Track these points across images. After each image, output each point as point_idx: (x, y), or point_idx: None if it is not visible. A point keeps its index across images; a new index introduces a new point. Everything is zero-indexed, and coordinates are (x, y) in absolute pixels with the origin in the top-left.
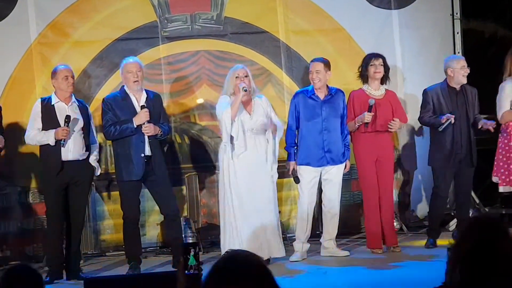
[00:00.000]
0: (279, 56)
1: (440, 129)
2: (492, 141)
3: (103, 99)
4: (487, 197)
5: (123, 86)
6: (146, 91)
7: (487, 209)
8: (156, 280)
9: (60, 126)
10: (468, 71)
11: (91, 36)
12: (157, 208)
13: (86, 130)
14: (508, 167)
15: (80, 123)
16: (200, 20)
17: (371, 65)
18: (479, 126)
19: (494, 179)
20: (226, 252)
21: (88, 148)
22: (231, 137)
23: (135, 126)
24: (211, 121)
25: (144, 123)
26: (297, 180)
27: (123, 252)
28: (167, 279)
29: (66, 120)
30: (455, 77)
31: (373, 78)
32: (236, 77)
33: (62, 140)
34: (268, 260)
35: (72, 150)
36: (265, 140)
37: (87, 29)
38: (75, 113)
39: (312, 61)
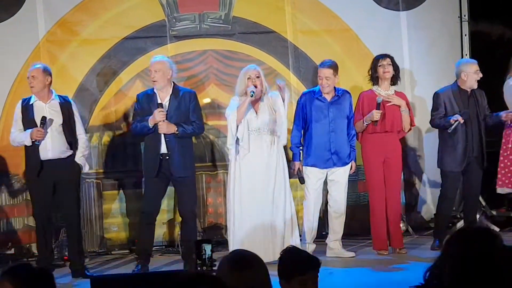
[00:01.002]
0: (287, 56)
1: (449, 130)
2: (497, 143)
3: (136, 95)
4: (494, 200)
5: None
6: (177, 88)
7: (493, 212)
8: (164, 279)
9: (37, 126)
10: (481, 75)
11: (100, 34)
12: (164, 206)
13: (68, 127)
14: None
15: (58, 121)
16: (209, 19)
17: (380, 65)
18: (504, 118)
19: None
20: (229, 253)
21: (72, 146)
22: (237, 139)
23: (150, 125)
24: (218, 120)
25: (159, 122)
26: (302, 181)
27: (129, 251)
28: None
29: (42, 121)
30: (468, 81)
31: (383, 78)
32: (248, 78)
33: (37, 140)
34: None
35: (51, 149)
36: (272, 140)
37: (96, 27)
38: (53, 111)
39: (320, 66)
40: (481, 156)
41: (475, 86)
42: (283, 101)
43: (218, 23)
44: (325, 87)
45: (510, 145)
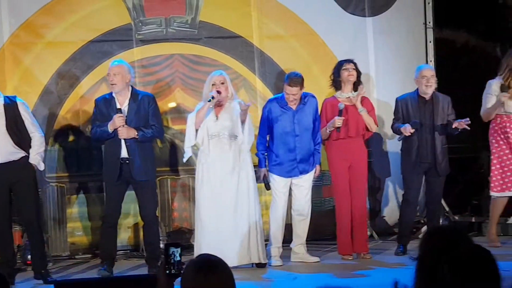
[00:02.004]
0: (253, 61)
1: (399, 139)
2: (463, 149)
3: (95, 100)
4: (457, 205)
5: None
6: (136, 92)
7: (456, 217)
8: (128, 283)
9: None
10: (432, 82)
11: (65, 37)
12: (129, 211)
13: (13, 128)
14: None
15: (1, 123)
16: (175, 23)
17: (344, 69)
18: (454, 126)
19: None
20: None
21: (23, 146)
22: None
23: (110, 131)
24: (184, 125)
25: (118, 128)
26: (268, 187)
27: (93, 255)
28: (140, 282)
29: None
30: (419, 87)
31: (347, 81)
32: (213, 85)
33: None
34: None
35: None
36: (235, 145)
37: (61, 30)
38: None
39: (287, 82)
40: (436, 163)
41: (428, 91)
42: (242, 123)
43: (185, 27)
44: (291, 103)
45: (493, 151)
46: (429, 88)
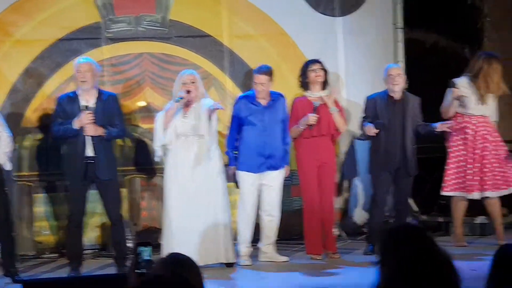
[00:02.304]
0: (223, 60)
1: (360, 137)
2: (431, 149)
3: (57, 98)
4: (425, 205)
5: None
6: (101, 91)
7: (424, 217)
8: (98, 282)
9: None
10: (398, 81)
11: (34, 35)
12: (97, 210)
13: None
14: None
15: None
16: (145, 22)
17: (311, 70)
18: (437, 130)
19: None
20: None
21: None
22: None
23: (75, 128)
24: (153, 124)
25: (85, 126)
26: (238, 185)
27: (60, 254)
28: (110, 281)
29: None
30: (387, 87)
31: (315, 82)
32: (183, 84)
33: None
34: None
35: None
36: (202, 144)
37: (30, 28)
38: None
39: (256, 72)
40: (405, 163)
41: (395, 89)
42: (209, 118)
43: (155, 26)
44: (260, 92)
45: (450, 150)
46: (396, 86)
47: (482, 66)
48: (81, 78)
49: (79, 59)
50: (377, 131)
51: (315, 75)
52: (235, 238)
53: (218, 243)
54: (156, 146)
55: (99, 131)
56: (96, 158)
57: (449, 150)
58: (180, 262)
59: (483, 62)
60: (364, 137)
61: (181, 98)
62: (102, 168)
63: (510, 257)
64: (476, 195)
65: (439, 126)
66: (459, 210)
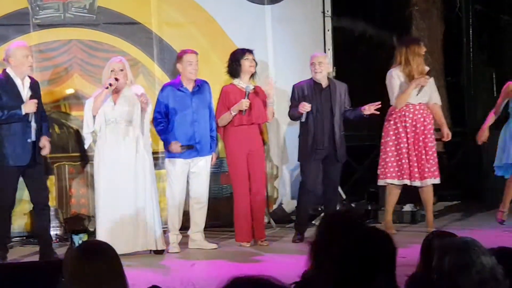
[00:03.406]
0: (152, 48)
1: (302, 119)
2: (360, 137)
3: None
4: (354, 193)
5: (5, 69)
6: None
7: (353, 205)
8: (23, 269)
9: None
10: (321, 68)
11: None
12: (25, 197)
13: None
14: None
15: None
16: (73, 8)
17: (246, 59)
18: (365, 112)
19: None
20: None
21: None
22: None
23: (23, 113)
24: (82, 111)
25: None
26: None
27: None
28: (35, 269)
29: None
30: (311, 74)
31: (248, 72)
32: (111, 71)
33: None
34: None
35: None
36: (132, 131)
37: None
38: None
39: (185, 52)
40: (334, 150)
41: (317, 77)
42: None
43: (83, 12)
44: (192, 73)
45: (388, 139)
46: (318, 74)
47: (402, 53)
48: (30, 63)
49: (17, 43)
50: (309, 105)
51: (249, 65)
52: (164, 226)
53: (147, 230)
54: (85, 133)
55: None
56: (36, 142)
57: (387, 139)
58: (93, 248)
59: (403, 49)
60: (304, 117)
61: (110, 85)
62: (39, 152)
63: (439, 243)
64: (414, 183)
65: (367, 108)
66: (394, 197)
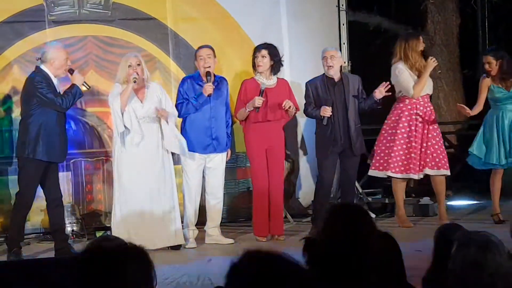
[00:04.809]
0: (167, 43)
1: (324, 123)
2: (377, 130)
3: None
4: (371, 187)
5: (39, 66)
6: None
7: (370, 199)
8: (37, 265)
9: None
10: (333, 63)
11: None
12: (41, 193)
13: None
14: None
15: None
16: (88, 4)
17: (255, 57)
18: (377, 96)
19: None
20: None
21: None
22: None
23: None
24: (98, 107)
25: None
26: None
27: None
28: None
29: None
30: (323, 69)
31: (257, 69)
32: (129, 66)
33: None
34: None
35: None
36: (158, 129)
37: None
38: None
39: (199, 48)
40: (350, 143)
41: (329, 72)
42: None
43: (98, 8)
44: (206, 67)
45: (398, 131)
46: (330, 69)
47: (401, 48)
48: (69, 66)
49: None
50: (330, 108)
51: (257, 63)
52: (182, 221)
53: (167, 226)
54: (120, 131)
55: None
56: None
57: (397, 131)
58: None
59: (402, 44)
60: (325, 120)
61: (137, 79)
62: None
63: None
64: (426, 171)
65: (378, 91)
66: (400, 191)
